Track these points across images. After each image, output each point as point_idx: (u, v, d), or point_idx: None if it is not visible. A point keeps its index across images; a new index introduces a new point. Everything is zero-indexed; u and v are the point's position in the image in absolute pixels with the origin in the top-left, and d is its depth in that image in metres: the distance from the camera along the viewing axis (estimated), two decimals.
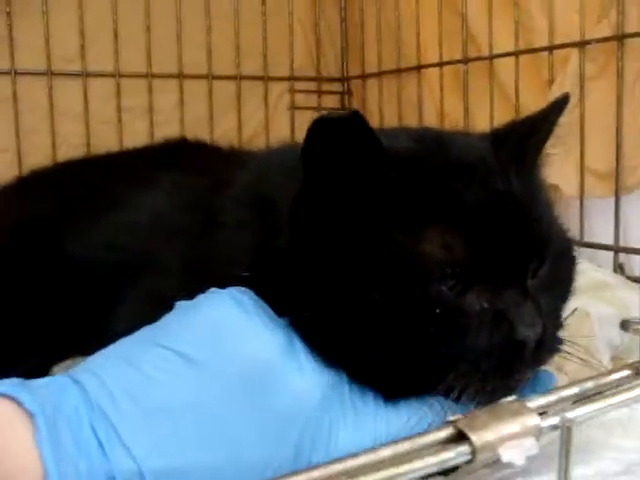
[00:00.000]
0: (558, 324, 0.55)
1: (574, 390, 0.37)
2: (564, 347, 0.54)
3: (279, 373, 0.48)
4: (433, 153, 0.54)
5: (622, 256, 1.05)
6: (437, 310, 0.49)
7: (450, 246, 0.49)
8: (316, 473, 0.27)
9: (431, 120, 1.35)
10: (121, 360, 0.47)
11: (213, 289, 0.52)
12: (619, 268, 1.05)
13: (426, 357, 0.49)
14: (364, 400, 0.51)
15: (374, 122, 1.44)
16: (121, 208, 0.72)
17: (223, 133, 1.42)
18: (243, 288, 0.52)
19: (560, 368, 0.60)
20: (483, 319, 0.50)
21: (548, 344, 0.51)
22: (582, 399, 0.36)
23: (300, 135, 1.37)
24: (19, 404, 0.43)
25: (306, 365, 0.49)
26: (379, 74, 1.45)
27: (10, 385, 0.45)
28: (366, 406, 0.50)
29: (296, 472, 0.27)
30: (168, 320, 0.51)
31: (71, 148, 1.30)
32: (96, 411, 0.44)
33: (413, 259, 0.49)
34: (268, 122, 1.48)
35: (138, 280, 0.64)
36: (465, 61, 1.24)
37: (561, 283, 0.58)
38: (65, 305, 0.72)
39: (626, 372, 0.39)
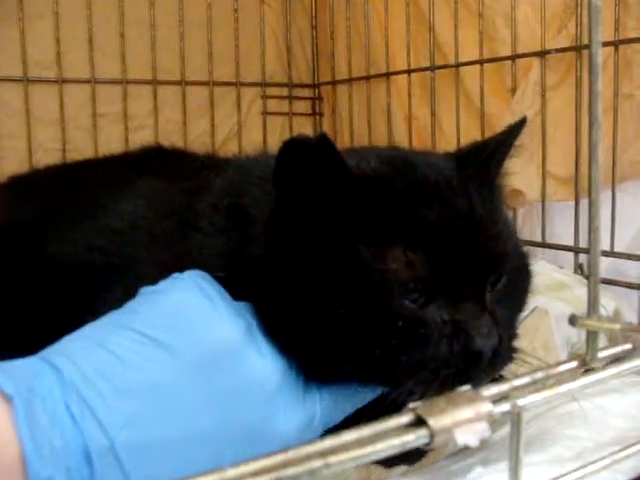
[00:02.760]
0: (513, 334, 0.59)
1: (525, 380, 0.40)
2: (518, 355, 0.58)
3: (241, 355, 0.52)
4: (398, 174, 0.57)
5: (582, 257, 1.09)
6: (400, 322, 0.52)
7: (412, 262, 0.53)
8: (291, 453, 0.30)
9: (399, 125, 1.38)
10: (92, 342, 0.51)
11: (175, 274, 0.56)
12: (579, 269, 1.09)
13: (388, 364, 0.52)
14: (309, 388, 0.55)
15: (344, 127, 1.49)
16: (100, 213, 0.75)
17: (196, 138, 1.46)
18: (203, 273, 0.56)
19: (515, 374, 0.64)
20: (443, 330, 0.53)
21: (503, 354, 0.55)
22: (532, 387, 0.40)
23: (272, 140, 1.41)
24: None
25: (265, 350, 0.53)
26: (349, 80, 1.48)
27: None
28: (311, 394, 0.54)
29: (272, 453, 0.30)
30: (134, 305, 0.55)
31: (47, 153, 1.33)
32: (70, 390, 0.47)
33: (377, 274, 0.52)
34: (241, 127, 1.51)
35: (117, 282, 0.67)
36: (432, 69, 1.28)
37: (517, 296, 0.61)
38: (46, 306, 0.74)
39: (574, 364, 0.43)
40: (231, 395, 0.50)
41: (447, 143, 1.25)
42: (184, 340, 0.51)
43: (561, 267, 1.07)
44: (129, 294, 0.58)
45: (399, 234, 0.53)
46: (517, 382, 0.40)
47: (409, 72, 1.33)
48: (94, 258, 0.71)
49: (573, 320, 0.44)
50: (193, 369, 0.50)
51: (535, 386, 0.41)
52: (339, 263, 0.53)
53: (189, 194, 0.68)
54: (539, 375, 0.42)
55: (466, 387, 0.38)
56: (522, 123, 0.63)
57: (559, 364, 0.43)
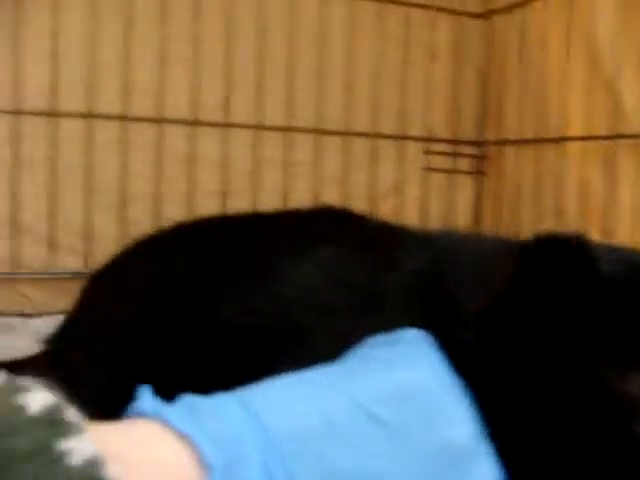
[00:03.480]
0: None
1: None
2: None
3: (472, 458, 0.45)
4: None
5: None
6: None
7: None
8: None
9: (571, 195, 1.30)
10: (305, 400, 0.44)
11: (410, 334, 0.50)
12: None
13: None
14: None
15: (508, 189, 1.42)
16: (271, 278, 0.71)
17: (355, 191, 1.43)
18: (430, 339, 0.50)
19: None
20: None
21: None
22: None
23: (432, 197, 1.36)
24: (195, 447, 0.40)
25: (490, 453, 0.47)
26: (518, 142, 1.42)
27: (186, 417, 0.41)
28: None
29: None
30: (357, 366, 0.48)
31: (207, 196, 1.33)
32: (273, 455, 0.41)
33: (617, 396, 0.46)
34: (401, 183, 1.47)
35: (287, 351, 0.63)
36: (613, 137, 1.20)
37: None
38: (209, 370, 0.71)
39: None
40: None
41: (622, 220, 1.17)
42: (419, 431, 0.44)
43: None
44: (301, 364, 0.54)
45: None
46: None
47: (587, 139, 1.26)
48: (263, 326, 0.67)
49: None
50: (425, 467, 0.43)
51: None
52: (571, 376, 0.47)
53: (372, 269, 0.63)
54: None
55: None
56: None
57: None
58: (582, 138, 1.27)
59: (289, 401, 0.44)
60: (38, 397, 0.36)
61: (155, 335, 0.76)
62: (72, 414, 0.36)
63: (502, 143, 1.49)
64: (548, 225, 1.34)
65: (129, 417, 0.43)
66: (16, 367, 0.99)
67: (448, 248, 0.62)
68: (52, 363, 0.90)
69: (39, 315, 1.23)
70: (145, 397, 0.43)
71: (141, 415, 0.42)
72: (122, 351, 0.78)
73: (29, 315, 1.24)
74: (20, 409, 0.35)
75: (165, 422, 0.41)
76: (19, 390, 0.36)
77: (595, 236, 1.23)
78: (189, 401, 0.43)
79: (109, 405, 0.77)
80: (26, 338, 1.15)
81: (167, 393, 0.73)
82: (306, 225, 0.83)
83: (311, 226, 0.83)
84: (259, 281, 0.72)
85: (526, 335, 0.48)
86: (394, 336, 0.50)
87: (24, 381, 0.37)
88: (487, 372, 0.49)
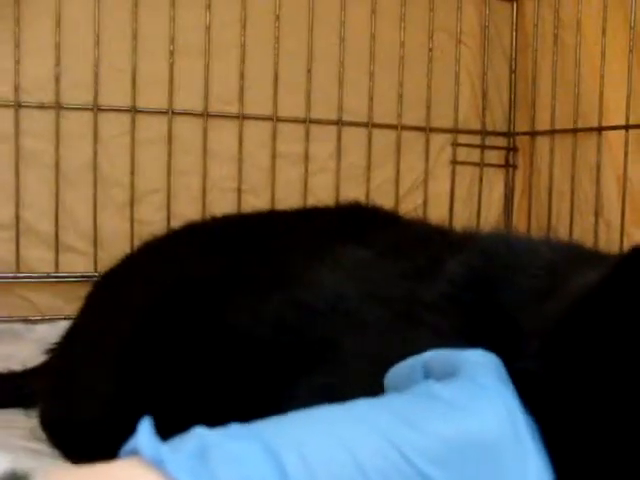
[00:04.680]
0: None
1: None
2: None
3: None
4: None
5: None
6: None
7: None
8: None
9: (610, 187, 1.22)
10: (341, 448, 0.36)
11: (477, 358, 0.41)
12: None
13: None
14: None
15: (541, 183, 1.34)
16: (293, 283, 0.63)
17: (379, 185, 1.36)
18: (503, 373, 0.41)
19: None
20: None
21: None
22: None
23: (459, 192, 1.29)
24: None
25: None
26: (551, 132, 1.34)
27: (192, 469, 0.34)
28: None
29: None
30: (409, 406, 0.38)
31: (222, 192, 1.26)
32: None
33: None
34: (427, 176, 1.39)
35: (311, 372, 0.55)
36: None
37: None
38: (223, 386, 0.64)
39: None
40: None
41: None
42: None
43: None
44: (327, 390, 0.46)
45: None
46: None
47: (627, 128, 1.17)
48: (285, 338, 0.59)
49: None
50: None
51: None
52: None
53: (410, 277, 0.55)
54: None
55: None
56: None
57: None
58: (622, 127, 1.18)
59: (322, 449, 0.35)
60: None
61: (164, 347, 0.69)
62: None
63: (534, 134, 1.40)
64: (585, 222, 1.26)
65: (123, 457, 0.36)
66: (17, 380, 0.93)
67: (497, 252, 0.53)
68: (54, 376, 0.84)
69: (44, 321, 1.17)
70: (144, 434, 0.36)
71: (137, 456, 0.35)
72: (128, 366, 0.71)
73: (34, 321, 1.17)
74: None
75: (165, 472, 0.33)
76: None
77: (636, 235, 1.18)
78: (197, 443, 0.36)
79: (115, 422, 0.70)
80: (30, 346, 1.09)
81: (175, 413, 0.66)
82: (332, 224, 0.75)
83: (337, 225, 0.74)
84: (279, 287, 0.64)
85: (617, 371, 0.40)
86: (455, 358, 0.41)
87: None
88: (562, 414, 0.40)
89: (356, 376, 0.49)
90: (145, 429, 0.36)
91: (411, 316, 0.50)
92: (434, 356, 0.43)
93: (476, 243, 0.58)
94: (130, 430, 0.37)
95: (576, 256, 0.53)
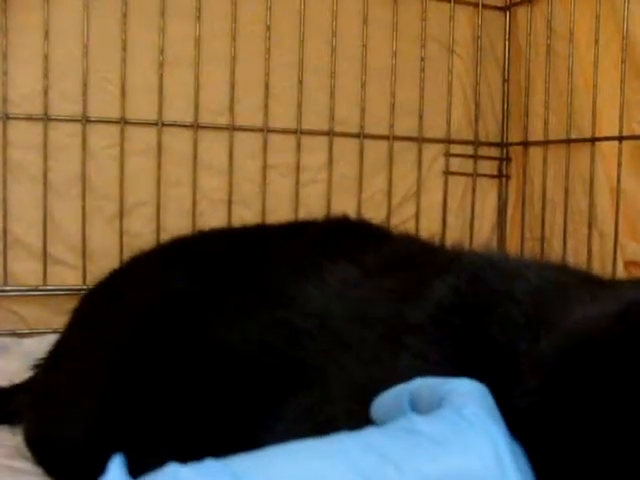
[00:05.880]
0: None
1: None
2: None
3: None
4: None
5: None
6: None
7: None
8: None
9: (603, 198, 1.21)
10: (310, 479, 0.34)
11: (465, 388, 0.39)
12: None
13: None
14: None
15: (534, 194, 1.33)
16: (279, 301, 0.62)
17: (371, 196, 1.35)
18: (489, 403, 0.39)
19: None
20: None
21: None
22: None
23: (452, 203, 1.28)
24: None
25: None
26: (544, 143, 1.33)
27: None
28: None
29: None
30: (391, 444, 0.36)
31: (212, 204, 1.25)
32: None
33: None
34: (420, 187, 1.38)
35: (295, 395, 0.54)
36: None
37: None
38: (204, 402, 0.63)
39: None
40: None
41: None
42: None
43: None
44: (309, 415, 0.45)
45: None
46: None
47: (620, 139, 1.16)
48: (268, 359, 0.58)
49: None
50: None
51: None
52: None
53: (396, 297, 0.54)
54: None
55: None
56: None
57: None
58: (615, 138, 1.17)
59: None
60: None
61: (148, 366, 0.68)
62: None
63: (527, 144, 1.39)
64: (578, 233, 1.25)
65: None
66: (3, 396, 0.92)
67: (484, 275, 0.52)
68: (38, 393, 0.82)
69: (32, 335, 1.15)
70: (114, 473, 0.34)
71: None
72: (112, 385, 0.70)
73: (22, 334, 1.16)
74: None
75: None
76: None
77: (630, 246, 1.16)
78: None
79: (98, 442, 0.69)
80: (18, 360, 1.08)
81: (159, 433, 0.65)
82: (319, 240, 0.73)
83: (325, 241, 0.73)
84: (265, 306, 0.63)
85: (621, 418, 0.38)
86: (441, 388, 0.40)
87: None
88: (560, 452, 0.38)
89: (339, 401, 0.48)
90: (115, 468, 0.34)
91: (396, 339, 0.49)
92: (421, 385, 0.41)
93: (463, 265, 0.56)
94: (114, 449, 0.35)
95: (565, 281, 0.52)
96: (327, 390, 0.51)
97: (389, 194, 1.35)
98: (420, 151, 1.38)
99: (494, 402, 0.39)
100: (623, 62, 1.15)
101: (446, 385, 0.40)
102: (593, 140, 1.22)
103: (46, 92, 1.14)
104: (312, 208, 1.28)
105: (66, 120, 1.17)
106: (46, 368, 0.84)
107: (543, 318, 0.44)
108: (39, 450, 0.79)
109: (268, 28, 1.25)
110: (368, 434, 0.37)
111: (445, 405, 0.38)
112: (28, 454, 0.80)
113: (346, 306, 0.58)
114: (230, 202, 1.25)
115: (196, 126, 1.22)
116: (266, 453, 0.36)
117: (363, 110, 1.32)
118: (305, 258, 0.67)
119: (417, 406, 0.41)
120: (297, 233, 0.79)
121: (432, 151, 1.40)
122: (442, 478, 0.35)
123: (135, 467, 0.36)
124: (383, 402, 0.43)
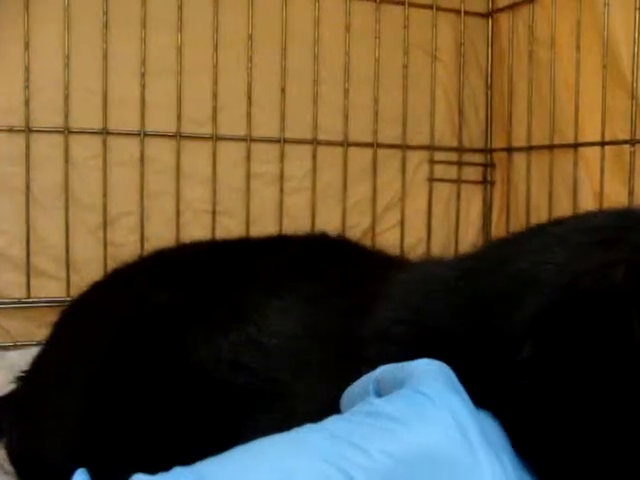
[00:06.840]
0: None
1: None
2: None
3: None
4: None
5: None
6: None
7: None
8: None
9: (587, 202, 1.21)
10: (278, 475, 0.34)
11: (423, 367, 0.40)
12: None
13: None
14: None
15: (519, 199, 1.33)
16: (251, 318, 0.63)
17: (355, 204, 1.34)
18: (452, 378, 0.40)
19: None
20: None
21: None
22: None
23: (437, 209, 1.27)
24: None
25: None
26: (528, 148, 1.33)
27: None
28: None
29: None
30: (354, 427, 0.37)
31: (196, 215, 1.24)
32: None
33: None
34: (404, 194, 1.38)
35: (266, 412, 0.55)
36: (632, 142, 1.11)
37: None
38: (177, 420, 0.63)
39: None
40: None
41: None
42: None
43: None
44: (278, 428, 0.45)
45: None
46: None
47: (602, 144, 1.16)
48: (240, 378, 0.59)
49: None
50: None
51: None
52: None
53: (352, 313, 0.55)
54: None
55: None
56: None
57: None
58: (598, 143, 1.17)
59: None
60: None
61: (125, 382, 0.68)
62: None
63: (511, 150, 1.39)
64: None
65: None
66: None
67: (416, 282, 0.53)
68: (19, 407, 0.82)
69: (16, 347, 1.15)
70: None
71: None
72: (91, 401, 0.70)
73: (5, 347, 1.15)
74: None
75: None
76: None
77: None
78: None
79: (78, 458, 0.69)
80: (2, 372, 1.07)
81: (137, 448, 0.65)
82: (295, 257, 0.75)
83: (300, 258, 0.74)
84: (237, 323, 0.63)
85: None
86: (402, 370, 0.40)
87: None
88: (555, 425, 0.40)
89: (305, 417, 0.48)
90: None
91: (347, 354, 0.50)
92: (384, 371, 0.42)
93: (402, 275, 0.58)
94: (93, 466, 0.35)
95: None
96: (294, 408, 0.52)
97: (374, 201, 1.35)
98: (404, 158, 1.38)
99: (456, 377, 0.40)
100: (604, 67, 1.15)
101: (407, 367, 0.40)
102: (576, 145, 1.22)
103: (27, 103, 1.14)
104: (297, 217, 1.28)
105: (48, 131, 1.16)
106: (27, 383, 0.84)
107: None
108: (21, 465, 0.78)
109: (250, 37, 1.25)
110: (331, 423, 0.38)
111: (406, 385, 0.39)
112: (11, 468, 0.80)
113: (308, 325, 0.59)
114: (214, 212, 1.24)
115: (179, 136, 1.22)
116: (233, 452, 0.36)
117: (347, 118, 1.32)
118: (279, 276, 0.69)
119: (381, 392, 0.41)
120: (275, 249, 0.80)
121: (416, 158, 1.40)
122: (407, 454, 0.35)
123: None
124: (349, 393, 0.44)
